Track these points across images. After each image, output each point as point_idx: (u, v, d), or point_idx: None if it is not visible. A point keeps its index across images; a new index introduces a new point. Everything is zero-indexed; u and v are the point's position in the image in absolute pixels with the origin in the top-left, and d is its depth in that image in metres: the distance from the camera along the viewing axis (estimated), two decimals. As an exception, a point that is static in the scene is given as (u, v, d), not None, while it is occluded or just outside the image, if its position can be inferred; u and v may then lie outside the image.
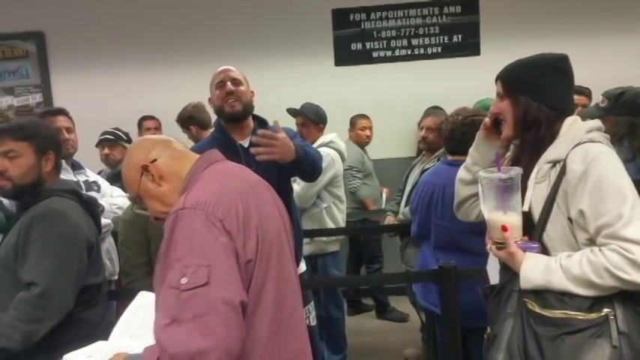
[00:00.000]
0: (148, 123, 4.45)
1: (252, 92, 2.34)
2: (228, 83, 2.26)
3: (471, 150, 1.72)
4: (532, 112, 1.50)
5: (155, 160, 1.38)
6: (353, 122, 4.67)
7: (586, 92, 3.89)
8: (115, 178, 3.26)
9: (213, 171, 1.36)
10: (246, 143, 2.29)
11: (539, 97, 1.50)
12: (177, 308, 1.10)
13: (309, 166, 2.23)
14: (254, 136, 2.22)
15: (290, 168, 2.19)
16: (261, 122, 2.38)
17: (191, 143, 3.54)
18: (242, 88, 2.29)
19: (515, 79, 1.55)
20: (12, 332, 1.68)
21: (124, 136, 3.72)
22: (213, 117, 3.34)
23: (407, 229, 3.38)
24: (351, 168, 4.41)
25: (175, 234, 1.18)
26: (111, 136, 3.66)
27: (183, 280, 1.11)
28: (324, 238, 3.41)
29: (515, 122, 1.54)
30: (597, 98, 3.42)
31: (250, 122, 2.35)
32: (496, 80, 1.60)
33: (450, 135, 2.45)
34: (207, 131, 3.70)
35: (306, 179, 2.41)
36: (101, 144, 3.71)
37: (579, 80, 2.90)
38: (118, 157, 3.60)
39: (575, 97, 3.25)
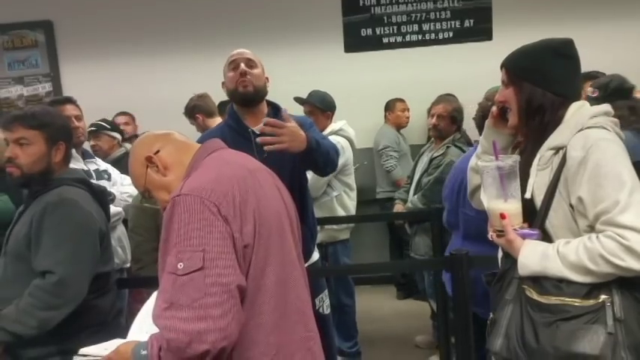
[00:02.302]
0: (119, 118, 4.47)
1: (266, 78, 2.27)
2: (242, 65, 2.18)
3: (480, 139, 1.72)
4: (536, 98, 1.48)
5: (158, 152, 1.42)
6: (391, 106, 4.78)
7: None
8: None
9: (213, 159, 1.38)
10: (258, 130, 2.21)
11: (542, 83, 1.49)
12: (174, 293, 1.13)
13: (321, 159, 2.16)
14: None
15: (302, 158, 2.14)
16: (275, 109, 2.30)
17: (199, 135, 3.56)
18: (256, 71, 2.21)
19: (519, 67, 1.53)
20: (28, 319, 1.71)
21: (107, 125, 3.71)
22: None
23: (416, 218, 3.38)
24: (386, 147, 4.52)
25: (172, 220, 1.20)
26: (93, 127, 3.65)
27: (180, 265, 1.14)
28: (335, 226, 3.42)
29: (519, 110, 1.52)
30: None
31: (264, 108, 2.28)
32: (501, 68, 1.59)
33: (478, 123, 2.40)
34: (213, 119, 3.72)
35: (319, 172, 2.35)
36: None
37: (596, 66, 2.86)
38: (104, 147, 3.61)
39: (590, 82, 3.20)
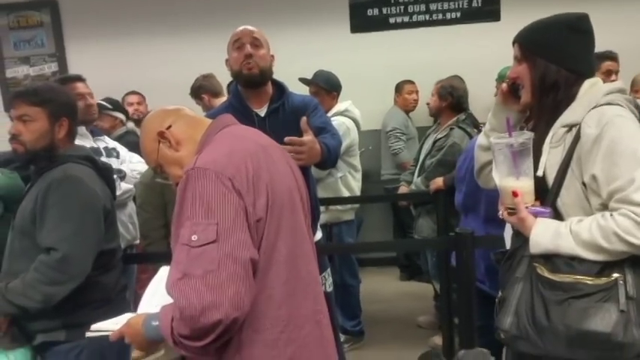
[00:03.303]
0: (131, 98, 4.47)
1: (272, 56, 2.21)
2: (247, 45, 2.13)
3: (489, 116, 1.69)
4: (550, 75, 1.46)
5: (170, 127, 1.42)
6: (399, 87, 4.74)
7: (616, 57, 3.75)
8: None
9: (225, 134, 1.39)
10: (262, 112, 2.20)
11: (557, 59, 1.46)
12: (188, 264, 1.14)
13: (329, 163, 2.20)
14: (272, 104, 2.19)
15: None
16: (281, 90, 2.26)
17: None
18: (262, 51, 2.15)
19: (533, 42, 1.50)
20: (33, 293, 1.73)
21: (108, 105, 3.69)
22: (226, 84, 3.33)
23: (420, 199, 3.38)
24: (394, 129, 4.51)
25: (186, 193, 1.21)
26: None
27: (194, 237, 1.15)
28: (339, 207, 3.43)
29: (533, 86, 1.50)
30: (624, 63, 3.34)
31: (269, 88, 2.23)
32: (513, 43, 1.56)
33: None
34: (219, 99, 3.70)
35: (319, 168, 2.33)
36: None
37: (607, 45, 2.78)
38: (105, 125, 3.59)
39: (608, 62, 3.16)
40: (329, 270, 2.56)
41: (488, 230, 2.27)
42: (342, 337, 3.35)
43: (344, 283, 3.44)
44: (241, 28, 2.19)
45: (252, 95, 2.21)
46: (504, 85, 1.61)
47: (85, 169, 1.93)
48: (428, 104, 3.40)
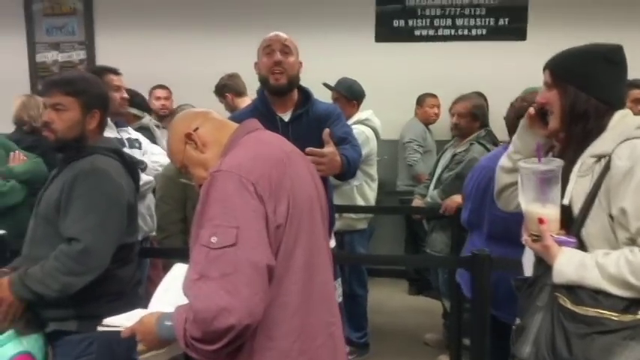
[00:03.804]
0: (158, 92, 4.50)
1: (300, 63, 2.24)
2: (277, 52, 2.16)
3: (513, 138, 1.68)
4: (580, 104, 1.45)
5: (197, 129, 1.44)
6: (421, 100, 4.73)
7: None
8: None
9: (251, 138, 1.40)
10: (286, 117, 2.23)
11: (588, 88, 1.46)
12: (205, 265, 1.15)
13: (348, 175, 2.21)
14: (297, 110, 2.22)
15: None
16: (306, 96, 2.28)
17: (227, 114, 3.57)
18: (291, 59, 2.18)
19: (565, 69, 1.50)
20: (51, 281, 1.74)
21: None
22: (252, 84, 3.34)
23: (434, 213, 3.37)
24: (412, 141, 4.51)
25: (210, 195, 1.22)
26: None
27: (213, 239, 1.16)
28: (353, 215, 3.43)
29: (562, 114, 1.49)
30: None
31: (294, 94, 2.26)
32: (544, 69, 1.55)
33: (510, 123, 2.35)
34: (243, 98, 3.74)
35: (338, 179, 2.35)
36: None
37: (631, 71, 2.76)
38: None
39: (636, 91, 3.14)
40: (340, 280, 2.56)
41: (490, 248, 2.29)
42: (347, 349, 3.34)
43: (352, 292, 3.43)
44: (273, 34, 2.21)
45: (278, 100, 2.24)
46: (531, 109, 1.60)
47: (112, 162, 1.95)
48: (457, 124, 3.36)
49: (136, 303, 1.74)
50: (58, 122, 1.90)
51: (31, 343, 1.82)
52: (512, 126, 2.39)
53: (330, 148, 2.02)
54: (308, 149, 1.94)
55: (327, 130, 2.05)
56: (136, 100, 3.68)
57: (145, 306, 1.53)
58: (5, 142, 2.90)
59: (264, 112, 2.20)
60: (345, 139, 2.22)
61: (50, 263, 1.76)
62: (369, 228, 3.65)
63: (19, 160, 2.73)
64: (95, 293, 1.83)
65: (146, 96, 4.60)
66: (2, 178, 2.59)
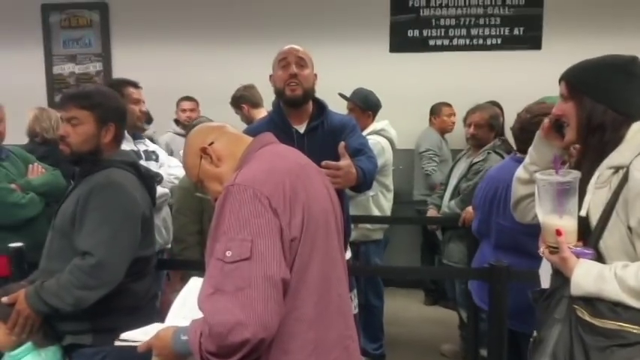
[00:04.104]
0: (184, 104, 4.59)
1: (315, 75, 2.26)
2: (293, 65, 2.18)
3: (530, 149, 1.68)
4: (597, 115, 1.44)
5: (212, 143, 1.45)
6: (437, 110, 4.73)
7: None
8: None
9: (266, 152, 1.41)
10: (302, 128, 2.25)
11: (605, 100, 1.45)
12: (220, 279, 1.15)
13: (363, 187, 2.23)
14: (312, 122, 2.24)
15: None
16: (321, 108, 2.30)
17: (243, 125, 3.60)
18: (306, 71, 2.21)
19: (581, 81, 1.49)
20: (65, 295, 1.74)
21: None
22: (267, 95, 3.35)
23: (450, 223, 3.35)
24: (427, 150, 4.51)
25: (224, 208, 1.22)
26: None
27: (228, 253, 1.16)
28: (369, 226, 3.42)
29: (578, 126, 1.48)
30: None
31: (309, 106, 2.28)
32: (560, 81, 1.55)
33: (519, 134, 2.36)
34: (259, 110, 3.77)
35: (354, 191, 2.37)
36: None
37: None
38: None
39: None
40: (355, 291, 2.56)
41: (498, 257, 2.30)
42: None
43: (368, 303, 3.42)
44: (287, 47, 2.24)
45: (294, 112, 2.26)
46: (546, 122, 1.60)
47: (128, 175, 1.94)
48: (474, 135, 3.35)
49: (152, 317, 1.74)
50: (73, 136, 1.91)
51: (49, 355, 1.83)
52: (517, 136, 2.40)
53: (345, 161, 2.03)
54: (324, 163, 1.96)
55: (342, 143, 2.06)
56: None
57: (162, 319, 1.54)
58: (24, 154, 2.94)
59: (279, 124, 2.23)
60: (360, 150, 2.24)
61: (65, 277, 1.76)
62: (384, 238, 3.64)
63: (38, 172, 2.77)
64: (110, 307, 1.82)
65: (171, 107, 4.69)
66: (21, 190, 2.63)
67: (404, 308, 4.53)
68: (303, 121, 2.27)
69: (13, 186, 2.62)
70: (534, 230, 1.76)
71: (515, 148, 2.52)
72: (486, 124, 3.35)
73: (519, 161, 2.36)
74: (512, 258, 2.20)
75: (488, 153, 3.27)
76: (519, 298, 2.05)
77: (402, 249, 4.78)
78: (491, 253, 2.45)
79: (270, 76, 2.30)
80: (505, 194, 2.35)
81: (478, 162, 3.29)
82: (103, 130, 1.94)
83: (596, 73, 1.48)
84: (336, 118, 2.34)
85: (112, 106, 1.98)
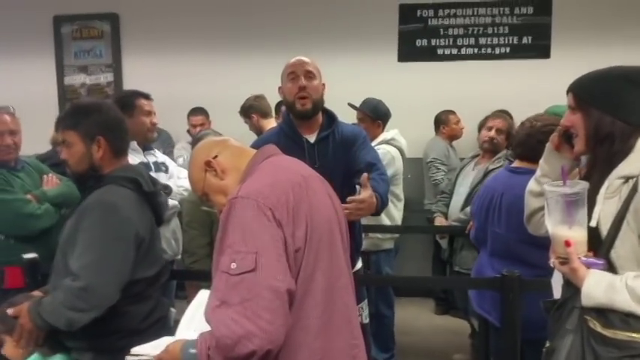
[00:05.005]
0: (195, 119, 4.64)
1: (323, 85, 2.29)
2: (302, 78, 2.21)
3: (540, 162, 1.69)
4: (605, 126, 1.45)
5: (217, 156, 1.48)
6: (445, 119, 4.74)
7: None
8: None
9: (269, 164, 1.43)
10: (312, 138, 2.27)
11: (612, 110, 1.45)
12: (226, 292, 1.17)
13: (380, 211, 2.23)
14: (322, 132, 2.27)
15: (355, 172, 2.21)
16: (330, 118, 2.33)
17: (252, 135, 3.63)
18: (314, 82, 2.23)
19: (588, 92, 1.50)
20: (58, 314, 1.71)
21: None
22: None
23: (460, 231, 3.35)
24: (435, 160, 4.52)
25: (228, 221, 1.24)
26: None
27: (233, 266, 1.18)
28: (379, 235, 3.42)
29: (587, 137, 1.49)
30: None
31: (319, 117, 2.31)
32: (567, 92, 1.56)
33: (525, 140, 2.36)
34: (268, 120, 3.81)
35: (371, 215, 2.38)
36: None
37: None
38: None
39: None
40: (366, 301, 2.56)
41: (493, 265, 2.34)
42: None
43: (379, 313, 3.41)
44: (295, 59, 2.27)
45: (304, 123, 2.29)
46: (554, 136, 1.62)
47: (126, 193, 1.87)
48: (493, 139, 3.36)
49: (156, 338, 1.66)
50: (69, 158, 1.90)
51: None
52: (523, 143, 2.40)
53: (367, 192, 2.04)
54: (349, 199, 1.99)
55: (365, 175, 2.07)
56: None
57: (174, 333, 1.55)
58: (39, 165, 2.97)
59: (290, 134, 2.27)
60: (373, 165, 2.26)
61: (58, 296, 1.72)
62: (395, 247, 3.64)
63: (53, 183, 2.79)
64: (107, 329, 1.77)
65: (181, 117, 4.72)
66: (37, 201, 2.66)
67: (414, 317, 4.52)
68: (313, 131, 2.29)
69: (28, 197, 2.65)
70: (529, 239, 1.79)
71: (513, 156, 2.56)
72: (506, 131, 3.37)
73: (513, 171, 2.40)
74: (507, 266, 2.21)
75: (506, 160, 3.27)
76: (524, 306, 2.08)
77: (413, 258, 4.76)
78: (488, 261, 2.48)
79: (279, 88, 2.33)
80: (500, 202, 2.39)
81: (495, 168, 3.27)
82: (92, 146, 1.89)
83: (603, 84, 1.49)
84: (346, 128, 2.37)
85: (95, 121, 1.90)
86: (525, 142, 2.36)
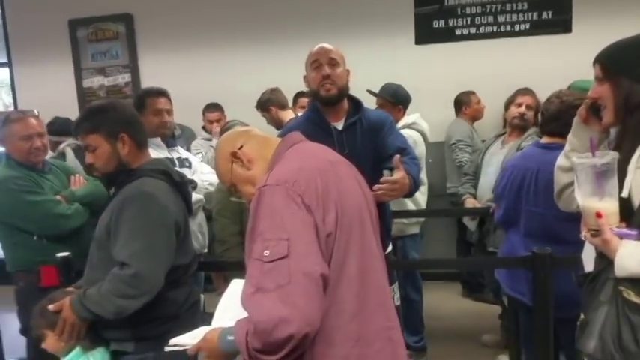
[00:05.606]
0: (210, 115, 4.64)
1: (348, 71, 2.29)
2: (325, 66, 2.21)
3: (569, 136, 1.66)
4: (635, 95, 1.42)
5: (242, 147, 1.49)
6: (466, 100, 4.69)
7: None
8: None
9: (295, 151, 1.44)
10: (339, 125, 2.29)
11: None
12: (260, 278, 1.18)
13: (413, 193, 2.25)
14: (349, 118, 2.28)
15: (381, 151, 2.23)
16: (357, 105, 2.34)
17: (270, 128, 3.64)
18: (339, 70, 2.24)
19: (616, 61, 1.47)
20: (107, 303, 1.77)
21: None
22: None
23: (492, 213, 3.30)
24: (459, 142, 4.48)
25: (258, 210, 1.26)
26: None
27: (266, 252, 1.19)
28: (405, 220, 3.41)
29: (616, 107, 1.46)
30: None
31: (345, 104, 2.32)
32: (594, 63, 1.53)
33: (557, 115, 2.33)
34: (286, 111, 3.82)
35: (405, 197, 2.41)
36: None
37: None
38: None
39: None
40: (397, 283, 2.57)
41: (527, 245, 2.29)
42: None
43: (407, 297, 3.41)
44: (318, 47, 2.27)
45: (330, 110, 2.30)
46: (582, 110, 1.59)
47: (160, 184, 1.95)
48: (523, 115, 3.32)
49: (194, 324, 1.74)
50: (96, 161, 1.95)
51: (98, 357, 1.88)
52: (555, 118, 2.36)
53: (400, 173, 2.05)
54: (383, 179, 2.01)
55: (397, 157, 2.08)
56: (52, 128, 3.64)
57: (207, 323, 1.57)
58: (66, 166, 3.03)
59: (317, 122, 2.29)
60: (404, 150, 2.28)
61: (105, 286, 1.79)
62: (420, 232, 3.63)
63: (80, 183, 2.85)
64: (149, 316, 1.84)
65: (198, 113, 4.75)
66: (66, 201, 2.71)
67: (442, 301, 4.51)
68: (340, 118, 2.31)
69: (58, 198, 2.71)
70: (567, 216, 1.77)
71: (540, 132, 2.51)
72: (536, 107, 3.32)
73: (546, 147, 2.37)
74: (543, 244, 2.19)
75: (537, 136, 3.22)
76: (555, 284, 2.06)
77: (438, 242, 4.74)
78: (521, 241, 2.45)
79: (304, 77, 2.34)
80: (535, 181, 2.36)
81: (528, 145, 3.21)
82: (117, 144, 1.94)
83: (631, 52, 1.45)
84: (373, 114, 2.38)
85: (114, 118, 1.95)
86: (558, 118, 2.32)
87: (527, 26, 4.86)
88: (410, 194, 2.22)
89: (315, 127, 2.25)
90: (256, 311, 1.16)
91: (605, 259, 1.42)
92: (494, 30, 4.91)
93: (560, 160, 1.71)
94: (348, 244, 1.31)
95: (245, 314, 1.22)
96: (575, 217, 1.57)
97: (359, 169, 1.57)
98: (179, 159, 2.95)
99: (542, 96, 3.41)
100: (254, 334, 1.15)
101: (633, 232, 1.37)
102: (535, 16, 4.84)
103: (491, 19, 4.90)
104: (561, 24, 4.80)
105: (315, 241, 1.22)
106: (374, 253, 1.43)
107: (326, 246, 1.26)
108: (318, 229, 1.24)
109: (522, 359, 2.85)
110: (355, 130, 2.28)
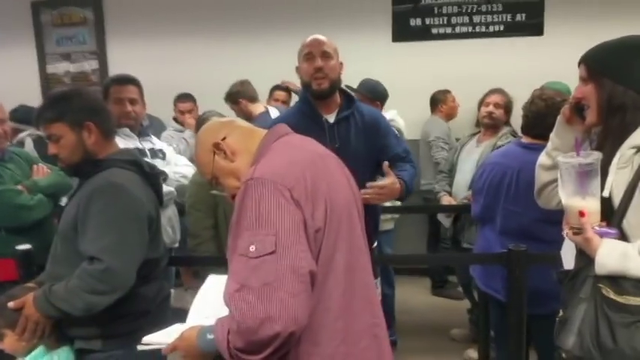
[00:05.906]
0: (182, 105, 4.49)
1: (340, 64, 2.28)
2: (318, 58, 2.19)
3: (551, 135, 1.69)
4: (617, 96, 1.45)
5: (225, 138, 1.43)
6: (442, 98, 4.72)
7: None
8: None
9: (282, 143, 1.39)
10: (331, 118, 2.27)
11: (625, 80, 1.45)
12: (246, 275, 1.13)
13: (405, 196, 2.30)
14: (341, 112, 2.28)
15: (378, 153, 2.25)
16: (349, 100, 2.33)
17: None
18: (331, 62, 2.22)
19: (600, 62, 1.49)
20: (75, 300, 1.68)
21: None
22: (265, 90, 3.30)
23: (468, 208, 3.30)
24: (438, 139, 4.47)
25: (245, 203, 1.20)
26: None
27: (252, 248, 1.14)
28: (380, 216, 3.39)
29: (599, 107, 1.49)
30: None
31: (337, 97, 2.31)
32: (579, 64, 1.55)
33: (539, 115, 2.34)
34: (256, 104, 3.80)
35: (397, 200, 2.47)
36: None
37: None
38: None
39: None
40: (379, 279, 2.57)
41: (503, 243, 2.32)
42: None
43: (381, 292, 3.41)
44: (311, 38, 2.25)
45: (322, 103, 2.29)
46: (565, 109, 1.61)
47: (130, 175, 1.86)
48: (491, 114, 3.36)
49: (163, 320, 1.69)
50: (60, 151, 1.85)
51: (62, 356, 1.79)
52: (538, 118, 2.37)
53: (389, 179, 2.08)
54: (368, 184, 2.02)
55: (386, 163, 2.11)
56: (15, 115, 3.57)
57: (178, 320, 1.52)
58: (28, 155, 2.88)
59: (309, 114, 2.27)
60: (404, 157, 2.33)
61: (74, 282, 1.69)
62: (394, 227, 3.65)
63: (43, 173, 2.71)
64: (118, 312, 1.76)
65: (169, 102, 4.62)
66: (28, 191, 2.57)
67: (412, 296, 4.53)
68: (332, 111, 2.29)
69: (19, 187, 2.56)
70: (545, 217, 1.78)
71: (522, 133, 2.52)
72: (504, 106, 3.40)
73: (527, 147, 2.38)
74: (519, 242, 2.21)
75: (511, 135, 3.28)
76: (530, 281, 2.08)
77: (408, 238, 4.74)
78: (496, 238, 2.47)
79: (297, 67, 2.32)
80: (516, 180, 2.36)
81: (503, 144, 3.20)
82: (82, 133, 1.84)
83: (616, 54, 1.48)
84: (364, 109, 2.38)
85: (80, 105, 1.85)
86: (543, 120, 2.31)
87: (502, 27, 4.92)
88: (401, 198, 2.26)
89: (307, 118, 2.24)
90: (241, 310, 1.11)
91: (585, 257, 1.44)
92: (470, 30, 4.95)
93: (542, 159, 1.73)
94: (336, 240, 1.28)
95: (224, 311, 1.17)
96: (552, 219, 1.59)
97: (349, 164, 1.55)
98: (152, 150, 2.83)
99: (515, 96, 3.47)
100: (237, 332, 1.11)
101: (613, 232, 1.39)
102: (509, 17, 4.90)
103: (466, 19, 4.94)
104: (534, 26, 4.87)
105: (303, 237, 1.18)
106: (361, 249, 1.41)
107: (314, 242, 1.22)
108: (307, 225, 1.20)
109: (491, 354, 2.90)
110: (348, 125, 2.27)
